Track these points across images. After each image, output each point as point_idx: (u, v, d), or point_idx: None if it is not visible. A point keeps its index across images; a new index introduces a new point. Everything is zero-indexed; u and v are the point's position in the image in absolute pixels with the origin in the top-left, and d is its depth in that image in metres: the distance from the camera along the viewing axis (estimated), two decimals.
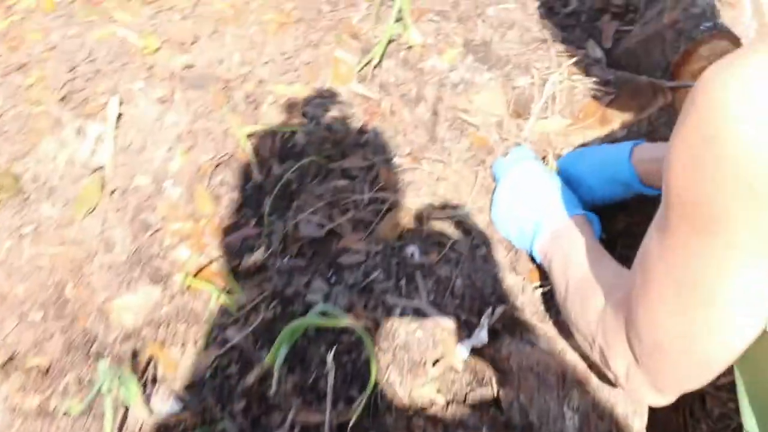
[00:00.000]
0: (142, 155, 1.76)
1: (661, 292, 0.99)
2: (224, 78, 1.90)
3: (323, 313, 1.30)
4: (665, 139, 1.83)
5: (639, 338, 1.06)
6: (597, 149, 1.67)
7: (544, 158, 1.75)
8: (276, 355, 1.30)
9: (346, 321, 1.26)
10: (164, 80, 1.90)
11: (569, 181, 1.64)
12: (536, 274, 1.57)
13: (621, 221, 1.68)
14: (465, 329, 1.44)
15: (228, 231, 1.62)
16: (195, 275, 1.54)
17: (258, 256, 1.56)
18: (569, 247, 1.44)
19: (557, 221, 1.50)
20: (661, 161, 0.95)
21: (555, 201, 1.54)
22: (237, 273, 1.55)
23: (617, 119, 1.81)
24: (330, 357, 1.28)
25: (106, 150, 1.76)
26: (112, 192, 1.69)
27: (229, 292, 1.48)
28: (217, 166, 1.71)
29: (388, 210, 1.58)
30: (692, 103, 0.86)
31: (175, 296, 1.51)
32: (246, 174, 1.70)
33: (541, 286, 1.56)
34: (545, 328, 1.49)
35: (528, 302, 1.52)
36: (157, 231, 1.62)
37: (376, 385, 1.34)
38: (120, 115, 1.83)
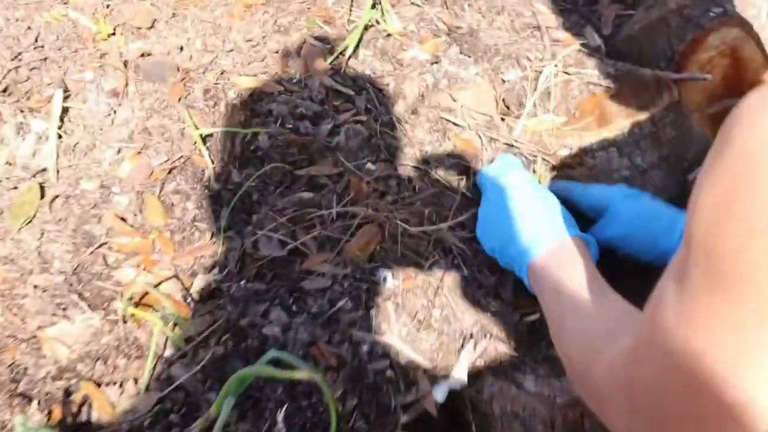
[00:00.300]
0: (89, 156, 1.58)
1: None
2: (184, 68, 1.72)
3: (277, 360, 1.13)
4: (669, 140, 1.66)
5: (645, 408, 0.89)
6: (652, 198, 1.49)
7: (534, 161, 1.57)
8: (221, 405, 1.13)
9: (302, 373, 1.09)
10: (117, 70, 1.72)
11: (601, 212, 1.47)
12: (525, 301, 1.40)
13: None
14: (442, 368, 1.28)
15: (180, 247, 1.44)
16: (140, 300, 1.36)
17: (212, 277, 1.39)
18: (565, 273, 1.27)
19: (550, 242, 1.32)
20: None
21: (548, 218, 1.36)
22: (188, 297, 1.38)
23: (617, 118, 1.63)
24: (281, 414, 1.11)
25: (49, 150, 1.58)
26: (54, 199, 1.51)
27: (176, 324, 1.31)
28: (170, 171, 1.53)
29: (359, 226, 1.41)
30: (727, 139, 0.69)
31: (117, 324, 1.34)
32: (202, 181, 1.52)
33: (530, 314, 1.39)
34: (534, 365, 1.32)
35: (515, 334, 1.36)
36: (100, 246, 1.44)
37: None
38: (66, 109, 1.65)
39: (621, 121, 1.62)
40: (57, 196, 1.51)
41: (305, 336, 1.27)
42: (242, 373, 1.12)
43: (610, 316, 1.10)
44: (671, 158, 1.64)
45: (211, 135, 1.57)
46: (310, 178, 1.49)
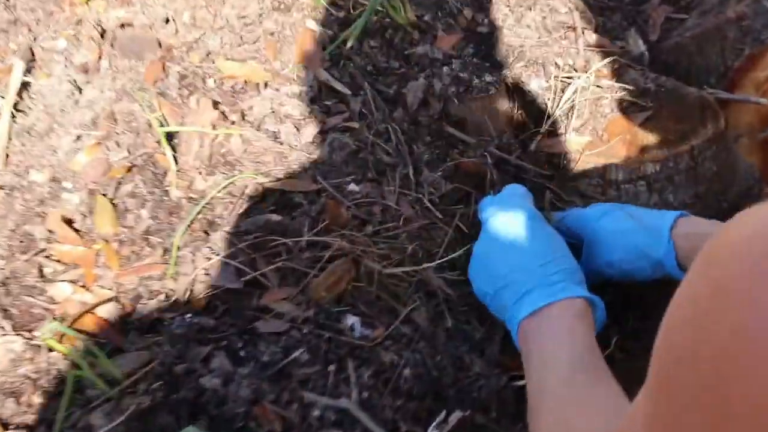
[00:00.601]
0: (45, 142, 1.40)
1: None
2: (166, 44, 1.52)
3: None
4: (708, 176, 1.43)
5: None
6: (630, 207, 1.29)
7: (544, 194, 1.35)
8: None
9: None
10: (92, 40, 1.52)
11: (583, 240, 1.27)
12: (515, 362, 1.20)
13: (633, 288, 1.31)
14: None
15: (126, 263, 1.26)
16: (73, 322, 1.18)
17: (156, 304, 1.20)
18: (556, 343, 1.08)
19: (548, 299, 1.12)
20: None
21: (551, 269, 1.16)
22: (126, 326, 1.19)
23: (651, 146, 1.41)
24: None
25: (1, 130, 1.40)
26: None
27: (91, 365, 1.13)
28: (130, 169, 1.35)
29: (330, 260, 1.21)
30: (706, 269, 0.49)
31: (40, 352, 1.16)
32: (162, 185, 1.33)
33: (519, 378, 1.19)
34: None
35: (497, 402, 1.16)
36: (39, 253, 1.27)
37: None
38: (27, 84, 1.46)
39: (654, 150, 1.40)
40: (1, 188, 1.34)
41: (248, 392, 1.09)
42: None
43: (601, 413, 0.93)
44: (708, 197, 1.42)
45: (178, 132, 1.37)
46: (282, 194, 1.29)
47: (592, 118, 1.44)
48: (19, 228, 1.29)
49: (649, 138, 1.41)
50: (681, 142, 1.39)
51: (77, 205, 1.31)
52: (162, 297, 1.21)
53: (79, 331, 1.17)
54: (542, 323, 1.10)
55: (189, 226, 1.26)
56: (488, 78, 1.42)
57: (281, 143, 1.34)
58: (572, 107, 1.43)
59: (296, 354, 1.13)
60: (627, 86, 1.49)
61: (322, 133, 1.36)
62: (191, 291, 1.21)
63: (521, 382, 1.18)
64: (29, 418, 1.11)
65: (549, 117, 1.42)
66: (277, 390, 1.10)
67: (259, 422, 1.07)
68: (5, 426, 1.10)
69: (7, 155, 1.38)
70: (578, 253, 1.26)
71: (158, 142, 1.34)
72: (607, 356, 1.20)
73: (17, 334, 1.18)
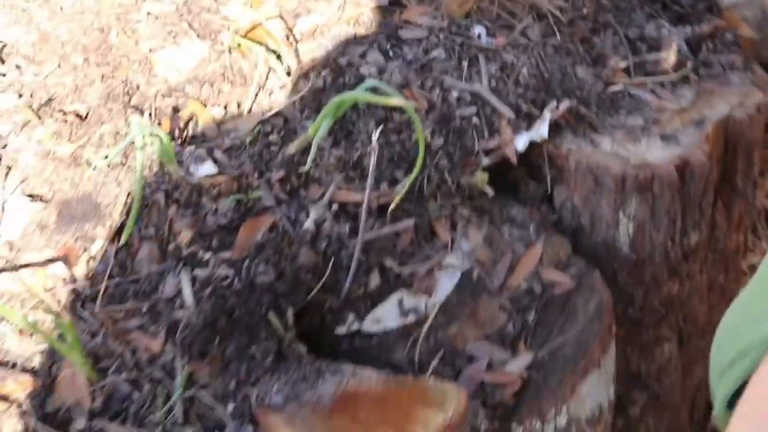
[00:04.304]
0: None
1: None
2: None
3: (374, 89, 1.21)
4: None
5: None
6: None
7: None
8: (318, 128, 1.22)
9: (397, 99, 1.16)
10: None
11: None
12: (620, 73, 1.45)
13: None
14: (525, 120, 1.34)
15: None
16: (245, 35, 1.44)
17: (316, 20, 1.45)
18: None
19: None
20: None
21: None
22: (290, 37, 1.45)
23: None
24: (376, 134, 1.18)
25: None
26: None
27: (278, 57, 1.39)
28: None
29: None
30: None
31: (223, 54, 1.43)
32: None
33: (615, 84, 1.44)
34: (611, 129, 1.38)
35: (597, 101, 1.41)
36: None
37: (423, 168, 1.25)
38: None
39: None
40: None
41: (399, 78, 1.34)
42: (341, 98, 1.20)
43: None
44: None
45: None
46: None
47: None
48: None
49: None
50: None
51: None
52: (319, 12, 1.46)
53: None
54: None
55: None
56: None
57: None
58: None
59: (435, 53, 1.38)
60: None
61: None
62: (344, 7, 1.46)
63: (616, 88, 1.44)
64: (221, 100, 1.38)
65: None
66: (422, 78, 1.35)
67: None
68: (204, 104, 1.37)
69: None
70: None
71: None
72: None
73: (203, 41, 1.44)
